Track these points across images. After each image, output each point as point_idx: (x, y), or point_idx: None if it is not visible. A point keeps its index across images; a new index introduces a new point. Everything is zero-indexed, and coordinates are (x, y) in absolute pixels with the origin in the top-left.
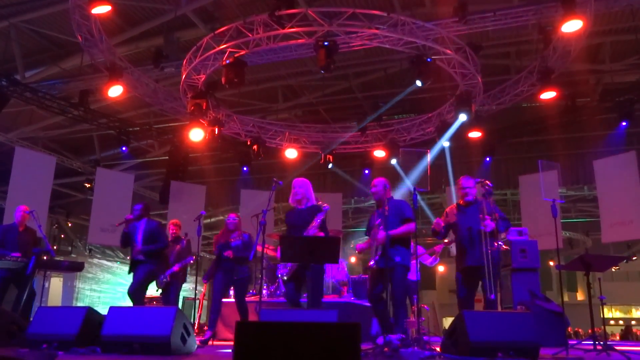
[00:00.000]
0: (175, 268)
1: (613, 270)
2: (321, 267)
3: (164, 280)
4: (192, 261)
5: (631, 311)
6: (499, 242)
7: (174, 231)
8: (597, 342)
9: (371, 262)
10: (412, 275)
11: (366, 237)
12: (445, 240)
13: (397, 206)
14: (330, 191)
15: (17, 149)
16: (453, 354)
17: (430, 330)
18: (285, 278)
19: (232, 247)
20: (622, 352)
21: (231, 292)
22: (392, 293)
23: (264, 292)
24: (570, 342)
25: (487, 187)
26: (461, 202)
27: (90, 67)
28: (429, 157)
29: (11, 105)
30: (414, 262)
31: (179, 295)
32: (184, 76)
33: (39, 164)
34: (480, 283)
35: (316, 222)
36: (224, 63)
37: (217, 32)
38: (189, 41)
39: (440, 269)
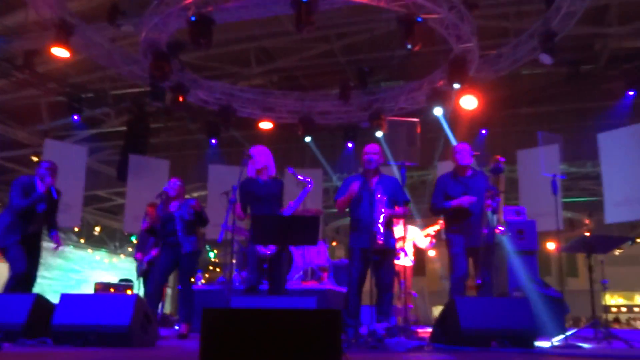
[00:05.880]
0: (154, 253)
1: (616, 253)
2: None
3: (142, 268)
4: None
5: (634, 297)
6: (501, 226)
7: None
8: (598, 330)
9: (380, 241)
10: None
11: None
12: (440, 222)
13: (393, 183)
14: (310, 167)
15: None
16: (443, 344)
17: (419, 319)
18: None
19: (176, 217)
20: (625, 340)
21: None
22: (385, 278)
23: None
24: (569, 330)
25: (499, 163)
26: (457, 170)
27: (37, 23)
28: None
29: None
30: (407, 244)
31: None
32: (143, 35)
33: None
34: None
35: (301, 198)
36: (188, 20)
37: None
38: None
39: (431, 253)
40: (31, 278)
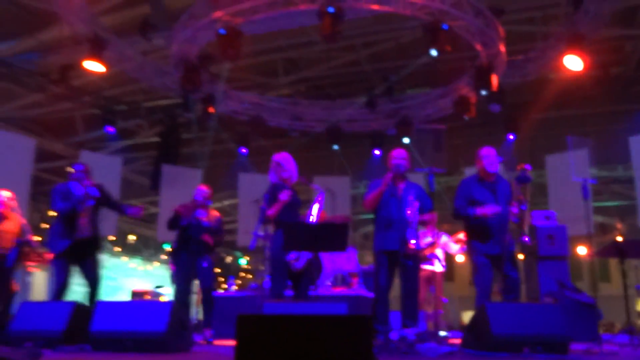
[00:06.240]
0: None
1: None
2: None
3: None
4: None
5: None
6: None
7: None
8: (633, 336)
9: (413, 245)
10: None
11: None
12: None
13: (419, 190)
14: (338, 174)
15: None
16: (474, 349)
17: (450, 324)
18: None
19: (205, 227)
20: None
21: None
22: (412, 283)
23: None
24: (603, 336)
25: (525, 172)
26: (483, 175)
27: (71, 39)
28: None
29: None
30: (438, 250)
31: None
32: (174, 48)
33: (17, 147)
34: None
35: (319, 204)
36: (217, 33)
37: None
38: (179, 9)
39: (460, 258)
40: (93, 284)
